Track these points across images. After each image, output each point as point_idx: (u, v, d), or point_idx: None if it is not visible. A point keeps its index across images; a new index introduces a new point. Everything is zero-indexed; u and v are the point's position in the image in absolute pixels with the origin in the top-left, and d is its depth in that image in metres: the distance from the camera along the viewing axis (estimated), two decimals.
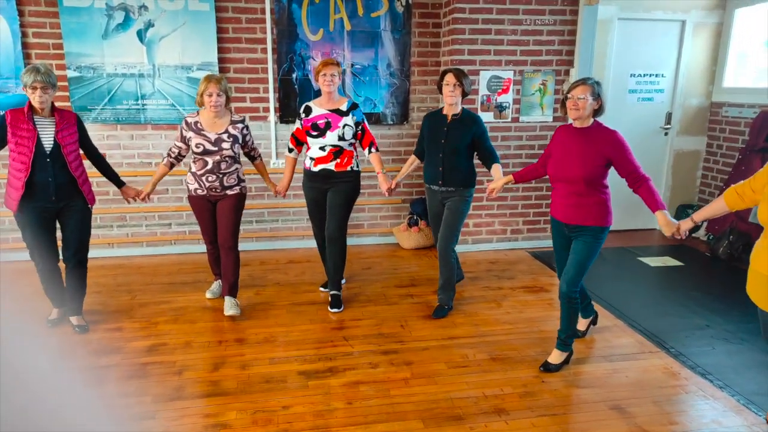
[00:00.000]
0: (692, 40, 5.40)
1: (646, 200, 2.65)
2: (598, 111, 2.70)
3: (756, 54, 5.23)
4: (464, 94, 3.36)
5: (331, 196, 3.56)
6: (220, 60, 4.58)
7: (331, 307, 3.65)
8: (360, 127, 3.54)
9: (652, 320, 3.56)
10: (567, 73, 4.80)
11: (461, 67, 3.96)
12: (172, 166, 3.53)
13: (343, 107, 3.48)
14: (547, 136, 4.86)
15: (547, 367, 2.93)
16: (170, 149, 3.50)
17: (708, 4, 5.34)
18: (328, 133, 3.46)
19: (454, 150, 3.37)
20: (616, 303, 3.82)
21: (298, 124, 3.57)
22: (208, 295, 3.86)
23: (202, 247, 4.56)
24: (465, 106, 3.49)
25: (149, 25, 4.44)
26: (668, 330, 3.43)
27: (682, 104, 5.53)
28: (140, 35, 4.45)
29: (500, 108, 4.74)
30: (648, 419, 2.54)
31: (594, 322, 3.35)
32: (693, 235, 5.45)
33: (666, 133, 5.57)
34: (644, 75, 5.37)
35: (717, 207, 2.41)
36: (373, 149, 3.61)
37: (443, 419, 2.50)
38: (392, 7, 4.76)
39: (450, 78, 3.30)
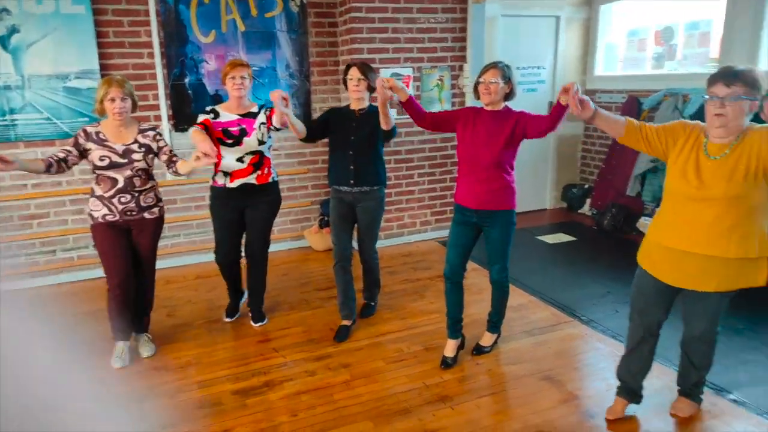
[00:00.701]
0: (566, 34, 5.89)
1: (553, 113, 2.57)
2: (509, 95, 2.76)
3: (621, 44, 5.82)
4: (370, 89, 3.17)
5: (253, 213, 3.29)
6: (102, 67, 4.20)
7: (255, 321, 3.51)
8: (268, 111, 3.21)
9: (561, 293, 3.85)
10: (461, 68, 5.02)
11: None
12: (49, 167, 2.77)
13: (255, 110, 3.22)
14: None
15: (480, 350, 3.06)
16: (55, 153, 2.84)
17: (577, 0, 5.85)
18: (245, 139, 3.15)
19: (366, 146, 3.19)
20: (526, 281, 4.07)
21: (202, 118, 3.15)
22: (116, 364, 3.02)
23: (94, 273, 4.16)
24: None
25: (13, 30, 3.96)
26: (576, 300, 3.73)
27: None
28: (3, 42, 3.95)
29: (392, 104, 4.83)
30: (576, 384, 2.76)
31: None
32: (579, 211, 5.97)
33: None
34: (528, 67, 5.77)
35: (614, 121, 2.30)
36: None
37: (392, 415, 2.52)
38: (287, 7, 4.66)
39: (354, 72, 3.14)
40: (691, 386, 2.48)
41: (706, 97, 2.03)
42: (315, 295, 3.99)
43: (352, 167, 3.20)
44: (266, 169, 3.27)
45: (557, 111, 2.54)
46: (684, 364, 2.46)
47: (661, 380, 2.73)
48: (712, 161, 2.05)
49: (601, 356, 3.04)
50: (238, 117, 3.18)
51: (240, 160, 3.19)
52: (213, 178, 3.29)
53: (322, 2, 4.79)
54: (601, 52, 5.95)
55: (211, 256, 3.48)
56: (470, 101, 5.01)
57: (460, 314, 3.01)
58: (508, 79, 2.72)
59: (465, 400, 2.63)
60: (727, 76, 1.97)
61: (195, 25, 4.43)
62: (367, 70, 3.16)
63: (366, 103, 3.23)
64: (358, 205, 3.29)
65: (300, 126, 3.13)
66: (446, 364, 2.94)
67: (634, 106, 5.33)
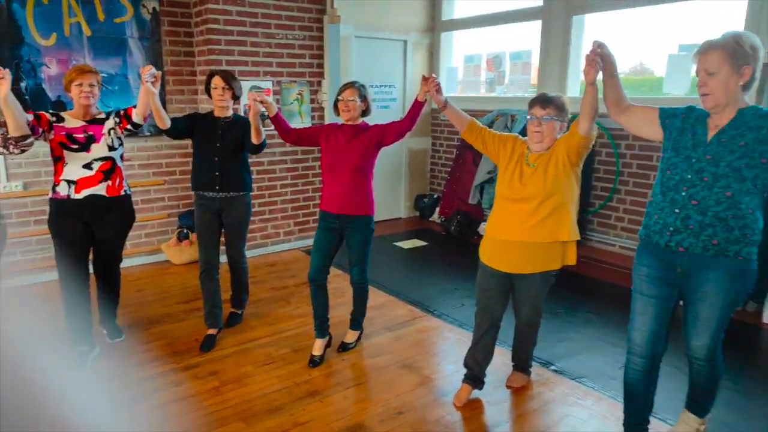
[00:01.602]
0: (413, 57, 6.43)
1: (411, 116, 2.97)
2: (365, 111, 3.06)
3: (460, 68, 6.52)
4: (234, 97, 3.26)
5: (102, 231, 3.05)
6: None
7: (110, 338, 3.35)
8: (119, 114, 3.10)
9: (416, 291, 4.23)
10: (319, 84, 5.26)
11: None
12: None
13: (103, 117, 3.06)
14: None
15: (345, 347, 3.27)
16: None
17: (421, 27, 6.43)
18: (94, 146, 2.97)
19: (231, 153, 3.24)
20: (385, 282, 4.39)
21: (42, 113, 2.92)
22: None
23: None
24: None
25: None
26: (429, 297, 4.13)
27: None
28: None
29: (262, 117, 4.91)
30: (431, 369, 3.09)
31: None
32: (430, 218, 6.52)
33: None
34: (381, 86, 6.20)
35: (462, 117, 2.74)
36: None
37: (263, 414, 2.62)
38: (138, 13, 4.52)
39: (218, 81, 3.19)
40: (522, 362, 2.94)
41: (529, 117, 2.51)
42: (178, 308, 3.90)
43: (217, 173, 3.24)
44: (118, 180, 3.06)
45: (415, 109, 2.94)
46: (516, 344, 2.91)
47: (498, 359, 3.17)
48: (531, 168, 2.51)
49: (450, 343, 3.43)
50: (84, 123, 2.99)
51: (87, 166, 2.96)
52: (53, 190, 2.98)
53: (176, 11, 4.72)
54: (443, 75, 6.60)
55: (53, 275, 3.22)
56: (329, 115, 5.27)
57: (326, 314, 3.20)
58: (364, 98, 3.02)
59: (332, 392, 2.82)
60: (542, 100, 2.47)
61: (32, 25, 4.10)
62: (231, 78, 3.24)
63: (230, 112, 3.30)
64: (224, 212, 3.33)
65: (164, 113, 3.08)
66: (314, 362, 3.10)
67: None
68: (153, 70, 2.88)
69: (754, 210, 1.99)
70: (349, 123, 3.03)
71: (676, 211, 2.06)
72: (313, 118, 5.27)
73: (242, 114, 3.70)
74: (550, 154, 2.49)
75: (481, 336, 2.73)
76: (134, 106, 3.08)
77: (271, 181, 5.15)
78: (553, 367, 3.11)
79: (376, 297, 3.96)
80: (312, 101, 5.24)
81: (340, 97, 2.99)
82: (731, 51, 1.93)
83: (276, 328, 3.58)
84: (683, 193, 2.04)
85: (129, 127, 3.08)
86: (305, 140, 3.16)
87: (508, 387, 2.90)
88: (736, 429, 2.54)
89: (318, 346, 3.16)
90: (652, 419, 2.40)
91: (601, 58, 2.18)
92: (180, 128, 3.24)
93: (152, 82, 2.92)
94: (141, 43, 4.58)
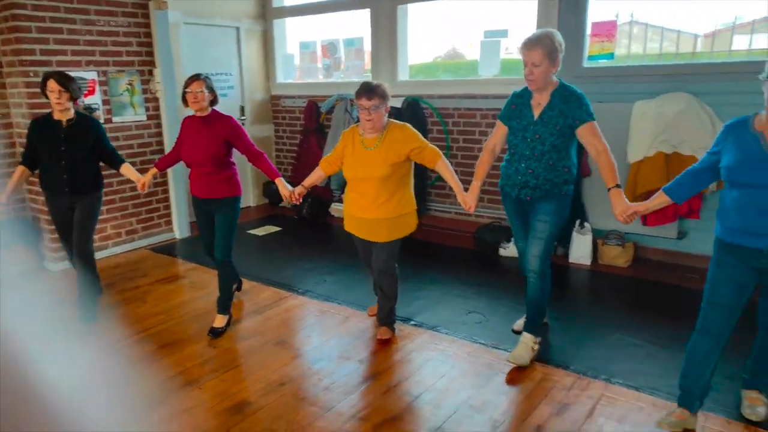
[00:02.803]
0: (247, 44, 6.38)
1: (264, 170, 3.34)
2: (213, 101, 3.23)
3: (297, 55, 6.63)
4: (73, 98, 3.23)
5: None
6: None
7: None
8: None
9: (277, 274, 4.33)
10: (151, 73, 5.00)
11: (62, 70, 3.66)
12: None
13: None
14: (144, 134, 4.98)
15: (215, 332, 3.29)
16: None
17: (254, 13, 6.40)
18: None
19: (77, 156, 3.26)
20: (246, 270, 4.39)
21: None
22: None
23: None
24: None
25: None
26: (291, 277, 4.26)
27: (249, 98, 6.51)
28: None
29: (90, 109, 4.57)
30: (303, 342, 3.27)
31: (239, 288, 3.86)
32: (280, 204, 6.60)
33: (243, 123, 6.46)
34: (217, 74, 6.06)
35: (318, 174, 3.26)
36: None
37: (143, 410, 2.56)
38: None
39: (52, 85, 3.14)
40: (385, 317, 3.25)
41: (357, 106, 2.91)
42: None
43: (65, 176, 3.26)
44: None
45: (268, 172, 3.35)
46: (380, 297, 3.24)
47: (362, 323, 3.46)
48: (368, 151, 2.94)
49: (318, 317, 3.62)
50: None
51: None
52: None
53: None
54: (280, 62, 6.66)
55: None
56: (165, 105, 5.06)
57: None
58: (211, 88, 3.19)
59: (210, 378, 2.85)
60: (367, 92, 2.86)
61: None
62: (66, 81, 3.18)
63: (72, 113, 3.28)
64: (75, 206, 3.35)
65: (26, 177, 3.43)
66: (216, 333, 3.30)
67: (314, 109, 6.19)
68: None
69: (570, 167, 2.79)
70: (200, 114, 3.20)
71: (520, 177, 2.82)
72: (147, 109, 5.00)
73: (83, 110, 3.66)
74: (389, 142, 2.90)
75: (374, 282, 3.28)
76: None
77: (106, 179, 4.78)
78: (412, 322, 3.47)
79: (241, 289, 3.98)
80: (145, 91, 4.97)
81: (188, 90, 3.13)
82: (549, 49, 2.61)
83: (139, 327, 3.44)
84: (523, 165, 2.80)
85: None
86: (180, 152, 3.34)
87: (378, 339, 3.21)
88: (558, 345, 3.14)
89: (220, 321, 3.36)
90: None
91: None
92: (35, 157, 3.32)
93: None
94: None
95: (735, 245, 2.20)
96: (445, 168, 2.95)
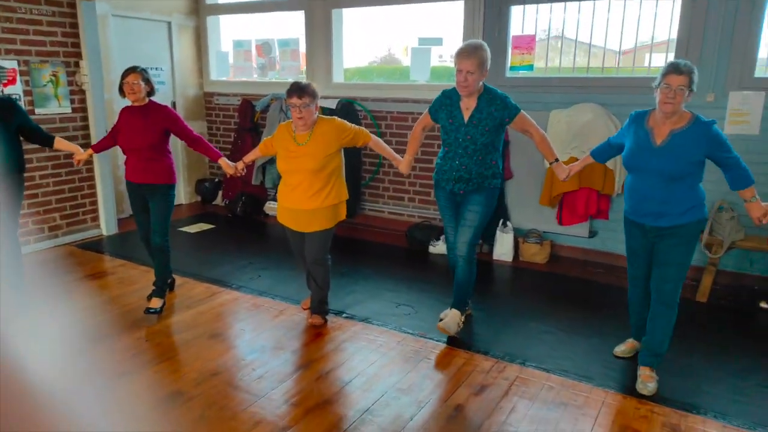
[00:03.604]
0: (179, 40, 6.29)
1: (205, 152, 3.48)
2: (150, 92, 3.34)
3: (231, 53, 6.60)
4: None
5: None
6: None
7: None
8: None
9: (211, 270, 4.34)
10: (77, 65, 4.85)
11: None
12: None
13: None
14: (69, 127, 4.83)
15: (151, 311, 3.42)
16: None
17: (186, 8, 6.32)
18: None
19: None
20: (179, 266, 4.33)
21: None
22: None
23: None
24: None
25: None
26: (225, 273, 4.28)
27: (182, 94, 6.42)
28: None
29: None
30: (237, 335, 3.33)
31: (171, 287, 3.85)
32: (213, 202, 6.54)
33: None
34: (148, 68, 5.92)
35: (255, 153, 3.46)
36: None
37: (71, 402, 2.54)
38: None
39: None
40: (318, 305, 3.39)
41: (289, 105, 3.07)
42: None
43: None
44: None
45: (211, 155, 3.49)
46: (313, 288, 3.39)
47: (297, 315, 3.56)
48: (300, 146, 3.12)
49: (250, 311, 3.67)
50: None
51: None
52: None
53: None
54: (213, 59, 6.61)
55: None
56: (93, 99, 4.92)
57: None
58: (147, 80, 3.29)
59: (144, 370, 2.86)
60: (297, 90, 3.05)
61: None
62: None
63: None
64: None
65: None
66: (151, 311, 3.43)
67: (248, 108, 6.19)
68: None
69: (497, 161, 3.14)
70: (136, 104, 3.29)
71: (454, 173, 3.10)
72: (72, 101, 4.85)
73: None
74: (319, 135, 3.09)
75: (306, 275, 3.42)
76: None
77: (28, 172, 4.60)
78: (344, 315, 3.61)
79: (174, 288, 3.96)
80: (70, 83, 4.81)
81: (124, 81, 3.22)
82: (482, 59, 2.90)
83: (67, 323, 3.36)
84: (457, 162, 3.08)
85: None
86: (116, 139, 3.43)
87: (309, 323, 3.39)
88: (478, 333, 3.38)
89: (156, 303, 3.49)
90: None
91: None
92: None
93: None
94: None
95: (631, 220, 2.80)
96: (377, 144, 3.29)
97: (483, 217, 3.12)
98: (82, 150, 3.57)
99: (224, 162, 3.46)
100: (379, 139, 3.36)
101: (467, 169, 3.06)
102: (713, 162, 2.60)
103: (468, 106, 3.02)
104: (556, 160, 3.14)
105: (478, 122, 3.00)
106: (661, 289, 2.72)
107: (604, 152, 3.02)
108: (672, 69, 2.52)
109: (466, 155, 3.05)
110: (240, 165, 3.43)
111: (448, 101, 3.09)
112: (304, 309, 3.63)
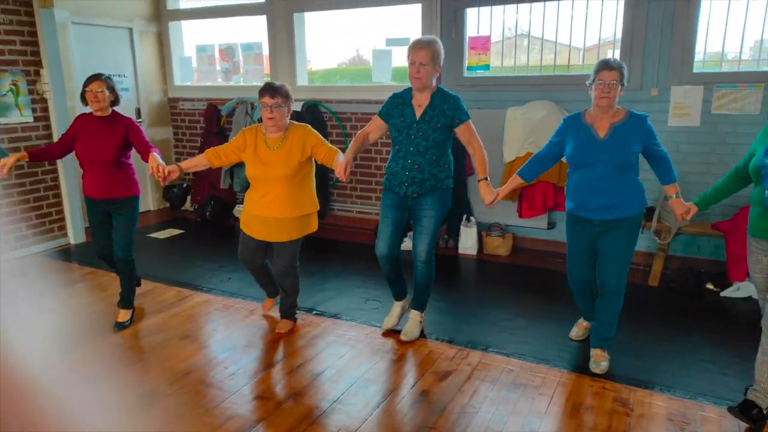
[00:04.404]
0: (141, 46, 6.28)
1: (144, 158, 3.18)
2: (114, 102, 3.27)
3: (194, 58, 6.62)
4: None
5: None
6: None
7: None
8: None
9: (181, 274, 4.38)
10: (38, 73, 4.82)
11: None
12: None
13: None
14: (32, 136, 4.80)
15: (120, 326, 3.39)
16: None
17: (147, 14, 6.31)
18: None
19: None
20: (148, 271, 4.38)
21: None
22: None
23: None
24: None
25: None
26: (195, 277, 4.34)
27: (146, 100, 6.41)
28: None
29: None
30: (208, 336, 3.41)
31: (138, 284, 3.83)
32: (182, 208, 6.55)
33: (140, 125, 6.34)
34: (110, 75, 5.91)
35: (198, 162, 3.19)
36: None
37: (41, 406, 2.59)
38: None
39: None
40: (287, 310, 3.46)
41: (261, 106, 3.02)
42: None
43: None
44: None
45: (147, 158, 3.15)
46: (283, 295, 3.42)
47: (271, 313, 3.65)
48: (271, 151, 3.07)
49: (221, 312, 3.74)
50: None
51: None
52: None
53: None
54: (177, 64, 6.61)
55: None
56: (53, 106, 4.90)
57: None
58: (112, 88, 3.20)
59: (115, 374, 2.91)
60: (270, 90, 3.02)
61: None
62: None
63: None
64: None
65: None
66: (121, 326, 3.41)
67: (213, 112, 6.22)
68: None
69: (449, 163, 3.12)
70: (99, 114, 3.19)
71: (407, 173, 3.05)
72: (34, 110, 4.83)
73: None
74: (289, 138, 3.07)
75: (255, 275, 3.46)
76: None
77: None
78: (314, 312, 3.71)
79: (141, 285, 3.99)
80: (31, 92, 4.79)
81: (87, 89, 3.11)
82: (435, 52, 2.91)
83: (35, 330, 3.38)
84: (409, 161, 3.03)
85: None
86: (69, 147, 3.30)
87: (276, 332, 3.40)
88: (444, 324, 3.53)
89: (122, 314, 3.46)
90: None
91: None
92: None
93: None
94: None
95: (576, 216, 2.87)
96: (336, 162, 3.08)
97: (438, 221, 3.11)
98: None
99: (153, 157, 3.03)
100: (339, 159, 3.02)
101: (420, 168, 3.00)
102: (645, 155, 2.77)
103: (420, 103, 2.99)
104: (485, 178, 3.05)
105: (430, 119, 2.97)
106: (609, 283, 2.85)
107: (531, 170, 3.00)
108: (603, 65, 2.67)
109: (417, 153, 3.00)
110: (171, 168, 3.00)
111: (399, 101, 3.06)
112: (265, 314, 3.64)
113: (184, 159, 6.75)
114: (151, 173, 2.98)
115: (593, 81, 2.68)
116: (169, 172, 2.98)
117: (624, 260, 2.83)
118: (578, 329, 3.30)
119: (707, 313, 3.74)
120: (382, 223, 3.19)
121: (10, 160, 3.05)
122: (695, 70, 4.18)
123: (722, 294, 3.96)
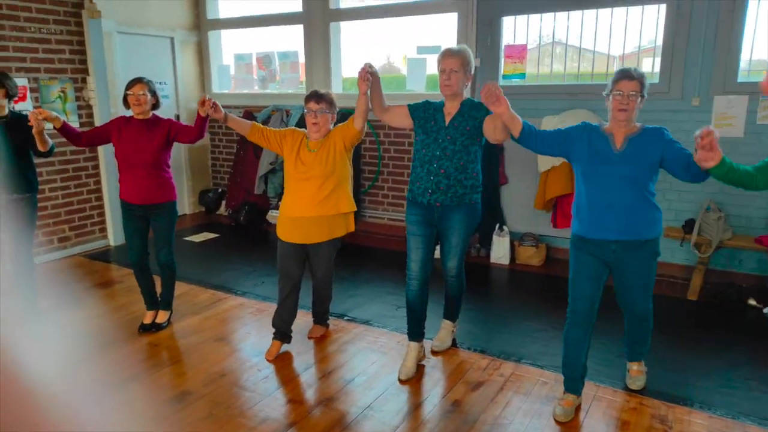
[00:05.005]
0: (182, 54, 6.47)
1: (197, 123, 3.22)
2: (155, 105, 3.30)
3: (232, 66, 6.77)
4: (9, 96, 3.24)
5: None
6: None
7: None
8: None
9: (215, 277, 4.47)
10: (84, 80, 5.01)
11: None
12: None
13: None
14: None
15: (158, 327, 3.48)
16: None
17: (188, 24, 6.50)
18: None
19: (13, 154, 3.21)
20: (183, 274, 4.47)
21: None
22: None
23: None
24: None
25: None
26: (230, 280, 4.42)
27: (186, 107, 6.58)
28: None
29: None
30: (242, 338, 3.46)
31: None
32: (217, 212, 6.68)
33: None
34: None
35: (243, 123, 3.14)
36: None
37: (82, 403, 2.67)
38: None
39: None
40: (320, 315, 3.49)
41: (306, 111, 3.02)
42: None
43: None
44: None
45: (200, 122, 3.22)
46: (315, 301, 3.44)
47: (300, 320, 3.67)
48: (312, 153, 3.05)
49: (254, 316, 3.81)
50: None
51: None
52: None
53: None
54: (215, 72, 6.78)
55: None
56: (99, 113, 5.08)
57: (153, 289, 3.58)
58: (153, 92, 3.25)
59: (155, 372, 2.99)
60: (315, 97, 3.03)
61: None
62: (3, 78, 3.19)
63: (6, 111, 3.25)
64: (6, 213, 3.29)
65: None
66: (145, 328, 3.48)
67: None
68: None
69: (478, 172, 2.95)
70: (140, 117, 3.23)
71: (432, 178, 2.89)
72: (80, 116, 5.01)
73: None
74: (327, 140, 3.07)
75: (285, 298, 3.19)
76: None
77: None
78: (346, 317, 3.73)
79: (178, 287, 4.07)
80: (78, 99, 4.98)
81: (129, 92, 3.16)
82: (466, 60, 2.84)
83: (72, 333, 3.50)
84: (435, 165, 2.88)
85: None
86: (96, 141, 3.32)
87: (309, 338, 3.43)
88: (475, 333, 3.50)
89: (148, 316, 3.55)
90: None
91: (371, 75, 2.88)
92: None
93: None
94: None
95: (587, 240, 2.55)
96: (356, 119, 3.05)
97: (467, 238, 3.00)
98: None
99: (203, 118, 3.11)
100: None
101: (446, 173, 2.85)
102: (671, 165, 2.46)
103: (450, 111, 2.90)
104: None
105: (459, 124, 2.87)
106: (637, 310, 2.71)
107: (532, 130, 2.63)
108: (623, 75, 2.46)
109: (444, 156, 2.86)
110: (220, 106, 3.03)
111: (432, 106, 2.98)
112: (310, 338, 3.52)
113: (221, 165, 6.92)
114: (201, 102, 3.01)
115: (611, 92, 2.48)
116: (215, 105, 3.01)
117: (649, 287, 2.65)
118: (564, 406, 2.64)
119: (749, 330, 3.61)
120: (411, 241, 3.00)
121: (51, 114, 3.06)
122: (740, 79, 4.07)
123: (765, 311, 3.82)
